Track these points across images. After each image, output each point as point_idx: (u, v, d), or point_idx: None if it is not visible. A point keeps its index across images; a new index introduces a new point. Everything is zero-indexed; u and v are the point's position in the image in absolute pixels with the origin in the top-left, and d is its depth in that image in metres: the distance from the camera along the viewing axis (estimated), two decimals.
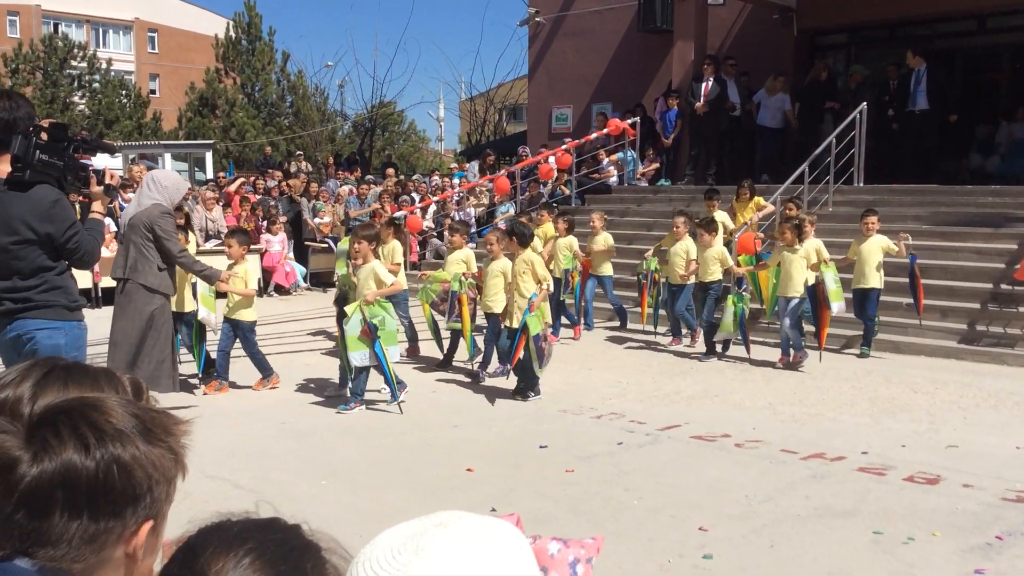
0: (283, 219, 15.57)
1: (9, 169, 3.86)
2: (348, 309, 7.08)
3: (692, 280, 9.72)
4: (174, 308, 7.89)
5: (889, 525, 4.69)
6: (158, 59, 53.48)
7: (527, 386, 7.57)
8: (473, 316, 8.78)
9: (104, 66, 39.60)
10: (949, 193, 12.20)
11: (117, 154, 22.43)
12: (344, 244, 10.47)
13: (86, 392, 1.19)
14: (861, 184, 12.89)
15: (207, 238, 14.08)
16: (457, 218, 15.10)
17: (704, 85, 14.60)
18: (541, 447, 6.19)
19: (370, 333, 6.90)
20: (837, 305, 8.89)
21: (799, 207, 11.11)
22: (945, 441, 6.29)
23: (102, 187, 4.20)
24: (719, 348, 9.39)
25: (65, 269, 4.14)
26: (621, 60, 18.27)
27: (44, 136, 3.93)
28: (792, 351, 8.84)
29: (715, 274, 9.48)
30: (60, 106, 35.81)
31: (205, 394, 7.59)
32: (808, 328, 9.21)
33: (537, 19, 19.61)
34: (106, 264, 10.59)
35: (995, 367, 8.79)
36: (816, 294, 8.90)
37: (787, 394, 7.70)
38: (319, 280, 15.71)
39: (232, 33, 37.54)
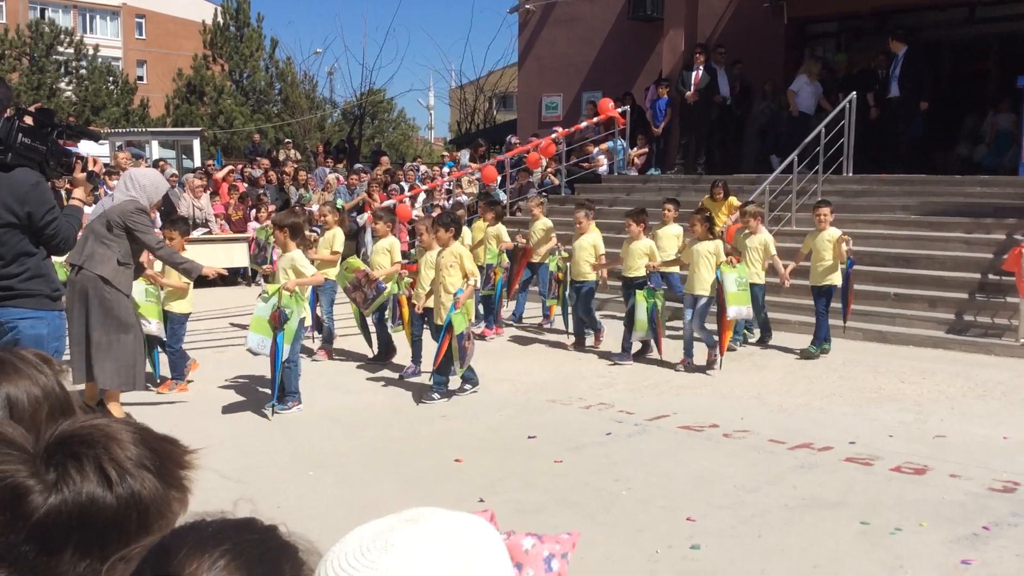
0: (272, 207, 15.50)
1: None
2: (269, 289, 6.76)
3: (594, 276, 9.05)
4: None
5: (876, 515, 4.71)
6: (145, 45, 53.08)
7: (444, 380, 7.20)
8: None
9: (91, 52, 39.29)
10: (938, 183, 12.22)
11: (103, 142, 22.27)
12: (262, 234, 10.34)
13: (14, 381, 1.17)
14: (850, 174, 12.90)
15: (195, 226, 14.00)
16: (446, 207, 15.05)
17: (694, 74, 14.57)
18: (530, 437, 6.19)
19: (278, 320, 6.56)
20: (734, 310, 8.13)
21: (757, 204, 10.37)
22: (932, 431, 6.31)
23: (85, 174, 4.16)
24: (635, 349, 8.74)
25: (46, 256, 4.08)
26: (611, 48, 18.22)
27: (28, 120, 3.88)
28: (707, 349, 8.28)
29: (640, 269, 8.74)
30: (47, 92, 35.53)
31: (159, 393, 7.33)
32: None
33: (527, 6, 19.53)
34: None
35: (983, 357, 8.82)
36: (720, 294, 8.20)
37: (775, 384, 7.71)
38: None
39: (220, 19, 37.34)
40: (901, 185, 12.35)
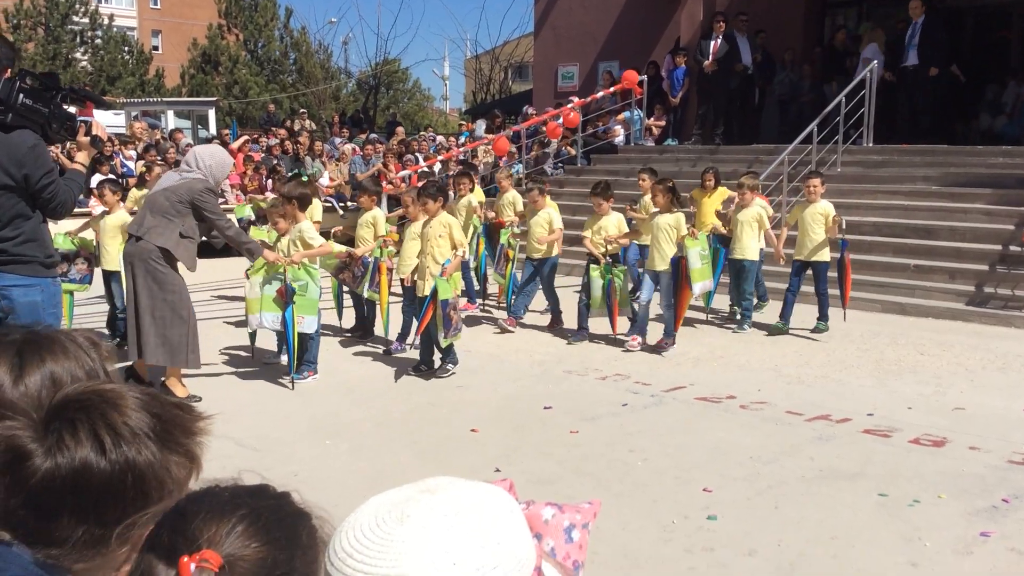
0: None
1: None
2: (269, 268, 6.62)
3: (555, 252, 8.70)
4: (106, 266, 7.81)
5: (895, 487, 4.68)
6: (160, 15, 52.92)
7: (428, 358, 7.08)
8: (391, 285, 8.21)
9: (106, 22, 39.22)
10: (959, 154, 12.06)
11: (118, 112, 22.27)
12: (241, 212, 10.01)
13: (60, 360, 1.16)
14: (870, 144, 12.75)
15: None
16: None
17: (713, 43, 14.38)
18: (545, 408, 6.18)
19: (285, 295, 6.50)
20: (700, 285, 7.78)
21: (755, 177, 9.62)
22: (952, 403, 6.26)
23: (88, 138, 4.08)
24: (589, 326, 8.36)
25: (42, 220, 4.00)
26: (628, 17, 18.01)
27: (29, 81, 3.81)
28: (661, 334, 7.84)
29: (610, 245, 8.28)
30: (62, 62, 35.55)
31: None
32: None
33: None
34: None
35: (1003, 329, 8.74)
36: (679, 270, 7.72)
37: (792, 356, 7.66)
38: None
39: None
40: (922, 156, 12.20)
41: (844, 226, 8.40)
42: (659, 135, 15.93)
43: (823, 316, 8.48)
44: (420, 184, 8.14)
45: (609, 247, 8.17)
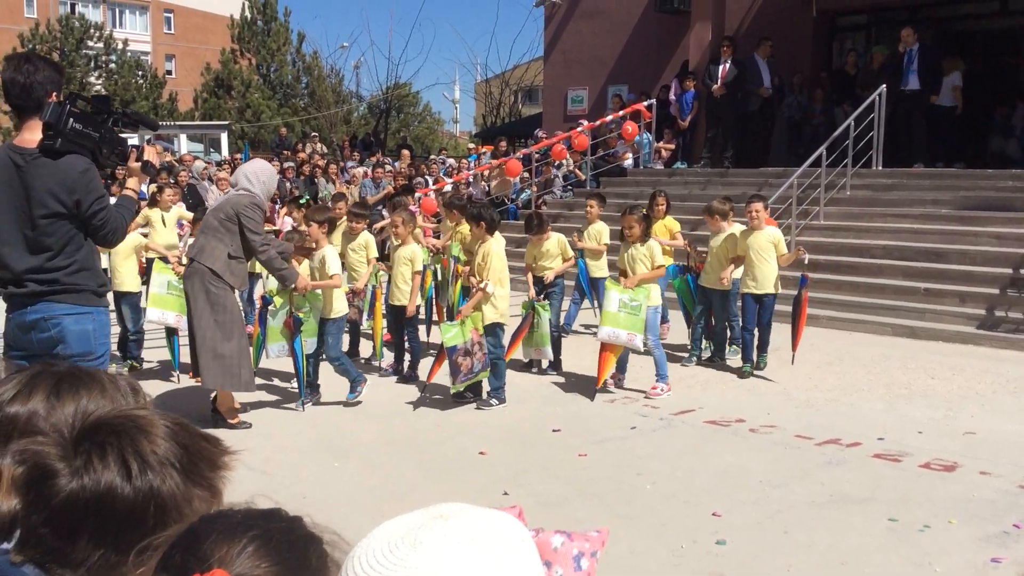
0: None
1: (39, 138, 3.65)
2: (277, 299, 6.66)
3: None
4: (117, 288, 7.74)
5: (905, 512, 4.65)
6: (174, 40, 53.50)
7: (501, 385, 6.86)
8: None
9: (120, 46, 39.65)
10: (969, 177, 12.05)
11: (130, 134, 22.44)
12: None
13: (96, 398, 1.17)
14: (880, 168, 12.75)
15: None
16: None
17: (722, 67, 14.44)
18: (554, 430, 6.17)
19: (292, 326, 6.53)
20: (607, 331, 6.95)
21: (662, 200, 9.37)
22: (962, 428, 6.22)
23: (140, 163, 3.98)
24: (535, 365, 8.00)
25: (93, 249, 3.90)
26: (637, 41, 18.11)
27: (80, 105, 3.72)
28: (655, 367, 7.23)
29: (547, 272, 7.94)
30: (77, 86, 35.89)
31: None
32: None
33: (553, 0, 19.46)
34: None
35: (1014, 353, 8.68)
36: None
37: (802, 379, 7.63)
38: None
39: (247, 14, 37.59)
40: (932, 179, 12.19)
41: (807, 260, 7.95)
42: (668, 158, 15.97)
43: (763, 348, 7.83)
44: (471, 207, 7.59)
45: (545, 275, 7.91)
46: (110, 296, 7.95)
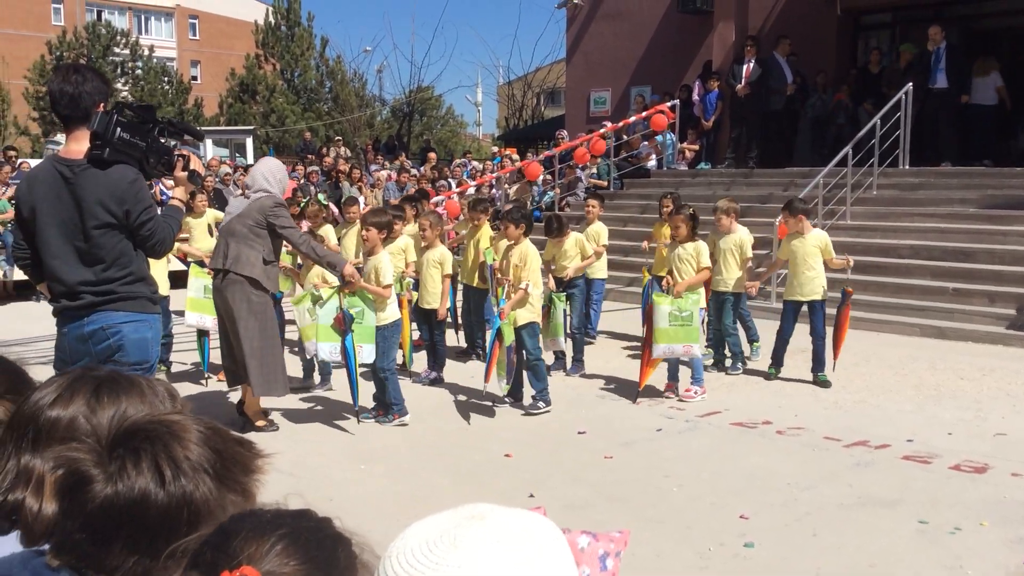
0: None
1: (86, 148, 3.64)
2: (324, 294, 6.30)
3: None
4: None
5: (935, 514, 4.60)
6: (199, 46, 53.98)
7: (517, 391, 6.78)
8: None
9: (146, 53, 40.05)
10: (997, 175, 11.92)
11: (201, 141, 22.62)
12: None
13: (135, 403, 1.18)
14: (907, 167, 12.64)
15: None
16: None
17: (745, 67, 14.38)
18: (579, 433, 6.16)
19: (344, 323, 6.16)
20: (663, 348, 6.82)
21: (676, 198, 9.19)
22: (992, 429, 6.15)
23: (186, 173, 3.97)
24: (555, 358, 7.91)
25: (144, 258, 3.89)
26: (660, 42, 18.07)
27: (127, 115, 3.71)
28: (692, 380, 7.08)
29: (567, 271, 7.92)
30: None
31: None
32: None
33: (575, 1, 19.44)
34: None
35: None
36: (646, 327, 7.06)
37: (830, 380, 7.57)
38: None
39: (271, 19, 37.83)
40: (959, 178, 12.07)
41: (849, 271, 7.48)
42: (692, 159, 15.92)
43: (819, 365, 7.49)
44: (507, 209, 7.34)
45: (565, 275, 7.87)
46: None
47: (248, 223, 5.98)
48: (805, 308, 7.53)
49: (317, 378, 7.49)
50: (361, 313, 6.22)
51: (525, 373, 6.78)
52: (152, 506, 1.04)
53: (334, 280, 6.70)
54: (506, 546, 0.92)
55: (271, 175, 6.19)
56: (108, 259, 3.72)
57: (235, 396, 6.71)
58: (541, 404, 6.66)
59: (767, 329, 8.23)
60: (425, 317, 7.74)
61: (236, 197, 6.34)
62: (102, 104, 3.73)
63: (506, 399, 6.84)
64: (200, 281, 7.42)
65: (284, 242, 6.22)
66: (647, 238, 9.45)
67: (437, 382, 7.64)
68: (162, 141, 3.88)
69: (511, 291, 6.59)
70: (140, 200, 3.73)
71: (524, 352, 6.65)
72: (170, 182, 4.14)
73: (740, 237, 7.76)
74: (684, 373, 7.21)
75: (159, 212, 3.91)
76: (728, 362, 7.99)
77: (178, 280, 8.93)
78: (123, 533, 1.05)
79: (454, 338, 8.89)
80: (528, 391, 6.85)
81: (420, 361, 8.02)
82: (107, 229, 3.70)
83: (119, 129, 3.61)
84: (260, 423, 6.26)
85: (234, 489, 1.11)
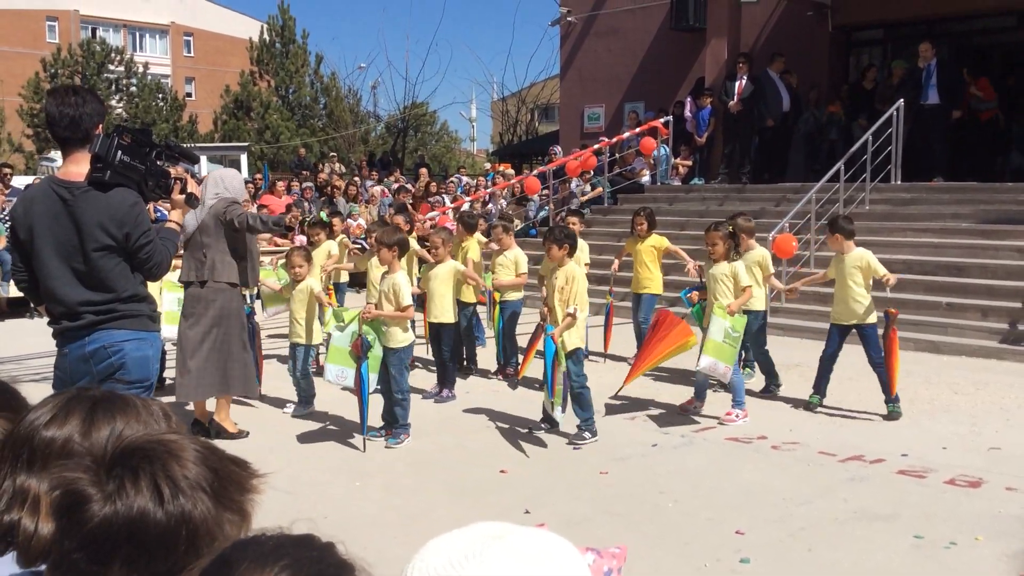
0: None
1: (85, 170, 3.66)
2: (346, 316, 6.21)
3: (518, 297, 8.33)
4: None
5: (930, 529, 4.62)
6: (194, 62, 54.08)
7: (591, 416, 6.36)
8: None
9: (141, 70, 40.12)
10: (989, 191, 12.00)
11: (195, 164, 22.68)
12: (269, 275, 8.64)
13: (131, 423, 1.19)
14: (899, 182, 12.71)
15: None
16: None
17: (738, 83, 14.47)
18: (575, 448, 6.16)
19: (361, 349, 6.01)
20: (708, 361, 6.63)
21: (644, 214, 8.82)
22: (987, 443, 6.18)
23: (184, 196, 4.00)
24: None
25: (142, 279, 3.91)
26: (653, 59, 18.17)
27: (127, 138, 3.73)
28: (733, 404, 6.88)
29: None
30: None
31: None
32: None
33: (569, 19, 19.56)
34: None
35: None
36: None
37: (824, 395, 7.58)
38: (353, 280, 15.79)
39: (266, 36, 37.89)
40: (951, 193, 12.14)
41: (889, 290, 7.18)
42: (686, 174, 15.99)
43: (888, 395, 6.98)
44: (555, 230, 6.75)
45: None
46: None
47: (212, 232, 6.22)
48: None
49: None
50: (373, 340, 6.14)
51: (547, 400, 6.38)
52: (151, 525, 1.04)
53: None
54: (530, 566, 0.94)
55: (222, 180, 6.43)
56: (108, 280, 3.75)
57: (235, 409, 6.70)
58: (587, 435, 6.27)
59: (808, 350, 8.22)
60: (435, 333, 7.68)
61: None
62: (100, 126, 3.75)
63: (542, 425, 6.59)
64: (174, 295, 7.45)
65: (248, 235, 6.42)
66: (617, 255, 9.32)
67: (447, 399, 7.56)
68: (159, 164, 3.90)
69: (552, 317, 6.32)
70: (140, 224, 3.76)
71: (569, 380, 6.32)
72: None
73: (761, 254, 7.67)
74: (658, 389, 7.22)
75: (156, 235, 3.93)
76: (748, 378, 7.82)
77: None
78: (121, 552, 1.05)
79: None
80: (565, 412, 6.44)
81: (425, 379, 8.02)
82: (106, 252, 3.72)
83: (120, 152, 3.64)
84: (233, 430, 6.48)
85: (230, 508, 1.11)
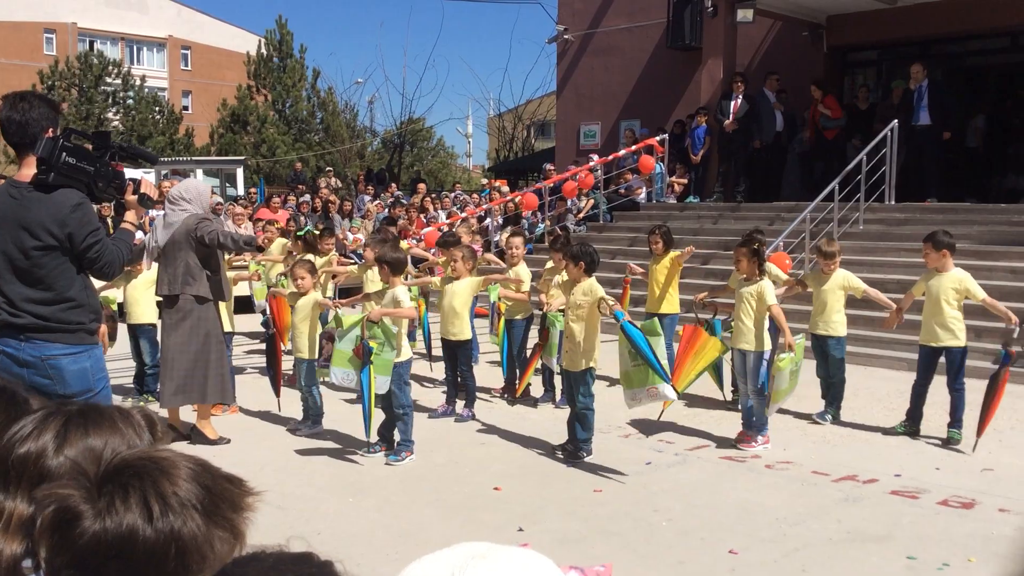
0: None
1: (33, 172, 3.70)
2: (346, 320, 6.25)
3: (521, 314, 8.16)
4: (133, 320, 8.06)
5: (923, 550, 4.62)
6: (191, 76, 54.18)
7: (589, 437, 6.39)
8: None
9: (138, 83, 40.16)
10: (983, 211, 12.06)
11: (148, 170, 22.69)
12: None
13: (107, 436, 1.18)
14: (892, 202, 12.76)
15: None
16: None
17: (733, 103, 14.55)
18: (569, 466, 6.16)
19: (363, 355, 6.07)
20: (776, 406, 6.57)
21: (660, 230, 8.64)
22: (980, 464, 6.18)
23: (136, 196, 4.02)
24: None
25: (88, 284, 3.93)
26: (649, 77, 18.27)
27: (73, 140, 3.75)
28: (752, 421, 6.67)
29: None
30: (95, 123, 36.32)
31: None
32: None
33: (565, 36, 19.67)
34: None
35: None
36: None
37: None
38: (349, 294, 15.80)
39: (264, 50, 38.02)
40: (945, 214, 12.19)
41: (1017, 332, 6.73)
42: (681, 192, 16.05)
43: (956, 421, 6.80)
44: (572, 246, 6.66)
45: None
46: (124, 329, 8.07)
47: (184, 246, 6.39)
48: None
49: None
50: (381, 346, 6.12)
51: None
52: (139, 542, 1.03)
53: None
54: None
55: (188, 193, 6.56)
56: (47, 279, 3.78)
57: (222, 420, 6.69)
58: (583, 454, 6.30)
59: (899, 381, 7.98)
60: (451, 351, 7.58)
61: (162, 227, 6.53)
62: (51, 129, 3.78)
63: (558, 452, 6.46)
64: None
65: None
66: (628, 268, 9.15)
67: (468, 418, 7.48)
68: (112, 166, 3.92)
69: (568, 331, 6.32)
70: (85, 224, 3.78)
71: (575, 399, 6.34)
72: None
73: (846, 276, 7.46)
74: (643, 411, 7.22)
75: (108, 236, 3.98)
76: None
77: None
78: (111, 569, 1.04)
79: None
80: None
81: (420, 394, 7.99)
82: (47, 251, 3.76)
83: (64, 154, 3.67)
84: (213, 437, 6.65)
85: (222, 526, 1.10)
